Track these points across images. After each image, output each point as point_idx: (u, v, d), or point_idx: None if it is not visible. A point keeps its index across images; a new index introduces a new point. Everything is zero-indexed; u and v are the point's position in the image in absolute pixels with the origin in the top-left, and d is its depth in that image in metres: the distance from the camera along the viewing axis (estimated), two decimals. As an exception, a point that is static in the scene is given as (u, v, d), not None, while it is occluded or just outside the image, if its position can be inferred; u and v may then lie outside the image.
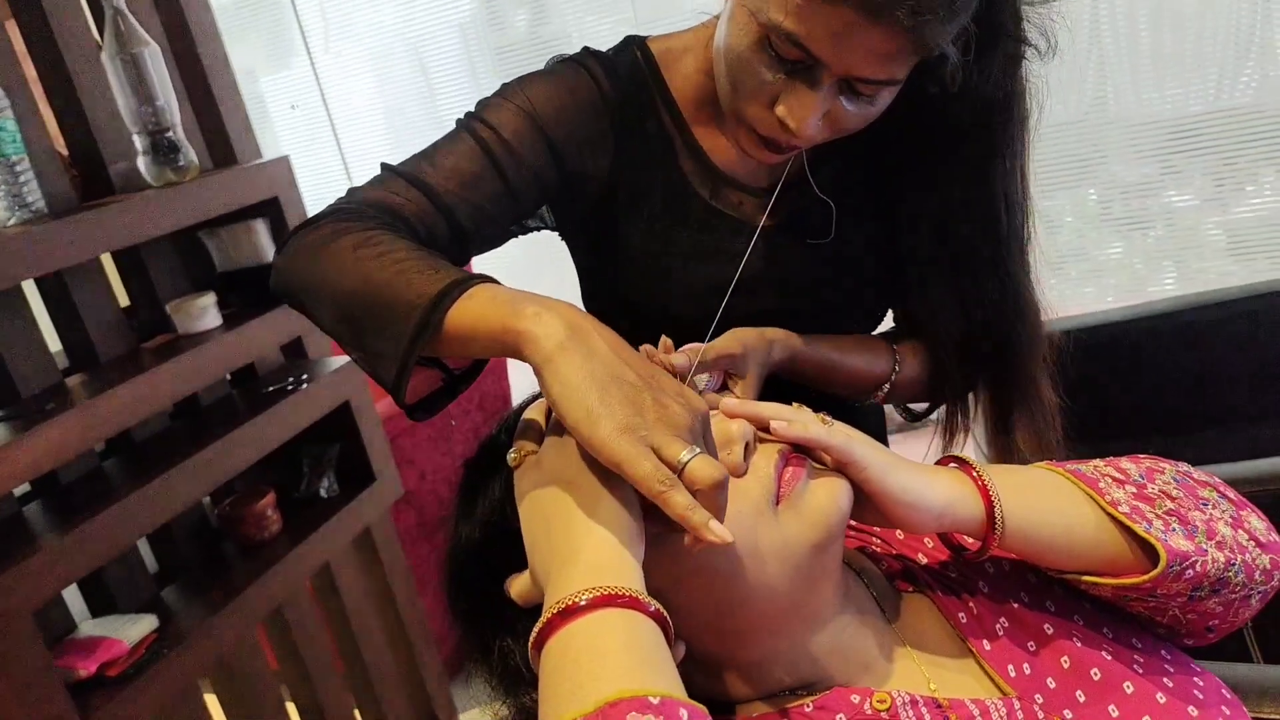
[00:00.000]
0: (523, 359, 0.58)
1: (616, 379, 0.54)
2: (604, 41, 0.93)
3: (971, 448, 1.03)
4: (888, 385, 0.95)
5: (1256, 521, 0.68)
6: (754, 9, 0.72)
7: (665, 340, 0.79)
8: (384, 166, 0.85)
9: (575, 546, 0.53)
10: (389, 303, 0.64)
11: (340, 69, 3.08)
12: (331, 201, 0.82)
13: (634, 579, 0.51)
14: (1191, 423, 1.86)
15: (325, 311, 0.71)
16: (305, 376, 1.58)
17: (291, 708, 1.65)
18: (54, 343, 1.41)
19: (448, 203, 0.81)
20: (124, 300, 1.52)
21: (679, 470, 0.52)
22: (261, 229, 1.55)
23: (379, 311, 0.65)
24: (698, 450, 0.53)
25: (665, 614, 0.51)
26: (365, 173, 3.20)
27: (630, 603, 0.49)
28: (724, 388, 0.83)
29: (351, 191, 0.82)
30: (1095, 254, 2.72)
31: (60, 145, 1.42)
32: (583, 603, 0.49)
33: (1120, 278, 2.72)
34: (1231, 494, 0.69)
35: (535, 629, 0.50)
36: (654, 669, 0.47)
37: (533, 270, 1.54)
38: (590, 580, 0.50)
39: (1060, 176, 2.65)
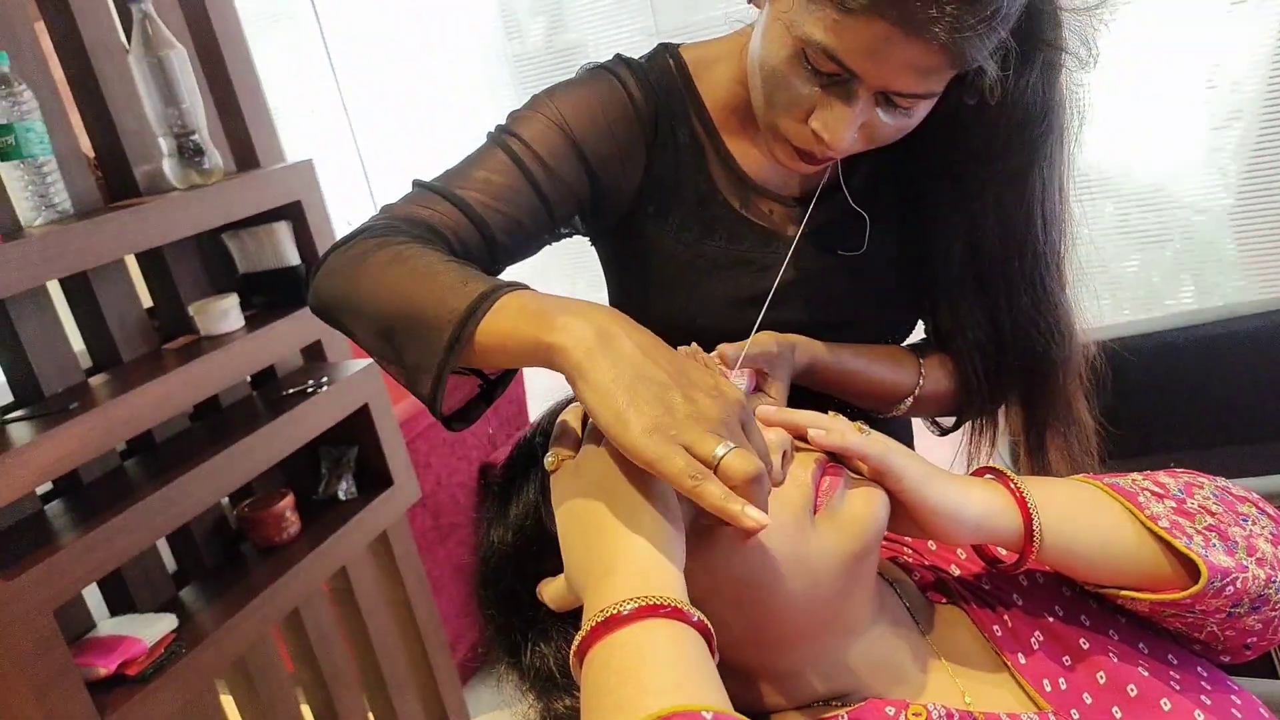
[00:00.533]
0: (555, 369, 0.58)
1: (645, 379, 0.54)
2: (622, 49, 0.93)
3: (997, 460, 1.03)
4: (911, 398, 0.94)
5: (1297, 538, 0.67)
6: (789, 23, 0.71)
7: (694, 348, 0.78)
8: (416, 183, 0.85)
9: (616, 555, 0.53)
10: (421, 318, 0.65)
11: (359, 73, 3.09)
12: (364, 219, 0.82)
13: (677, 588, 0.51)
14: (1214, 437, 1.84)
15: (362, 328, 0.72)
16: (325, 379, 1.59)
17: (306, 710, 1.65)
18: (76, 342, 1.42)
19: (480, 215, 0.81)
20: (146, 301, 1.53)
21: (714, 466, 0.51)
22: (284, 231, 1.55)
23: (411, 327, 0.65)
24: (731, 445, 0.52)
25: (708, 624, 0.50)
26: (383, 175, 3.19)
27: (674, 613, 0.49)
28: (758, 389, 0.83)
29: (385, 208, 0.83)
30: (1113, 267, 2.71)
31: (86, 147, 1.43)
32: (626, 612, 0.48)
33: (1136, 291, 2.71)
34: (1271, 510, 0.69)
35: (577, 638, 0.50)
36: (701, 682, 0.47)
37: (564, 275, 1.54)
38: (633, 590, 0.50)
39: (1076, 189, 2.64)
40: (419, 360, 0.64)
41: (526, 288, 0.65)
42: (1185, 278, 2.68)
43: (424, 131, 3.09)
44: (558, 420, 0.64)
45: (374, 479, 1.72)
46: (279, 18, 3.08)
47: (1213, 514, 0.66)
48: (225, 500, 1.59)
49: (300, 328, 1.56)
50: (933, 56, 0.67)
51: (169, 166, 1.42)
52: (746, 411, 0.57)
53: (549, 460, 0.61)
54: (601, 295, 1.01)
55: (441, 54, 2.98)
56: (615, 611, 0.49)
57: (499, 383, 0.72)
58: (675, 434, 0.52)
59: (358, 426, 1.67)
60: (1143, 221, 2.65)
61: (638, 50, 0.93)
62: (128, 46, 1.40)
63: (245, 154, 1.60)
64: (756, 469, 0.51)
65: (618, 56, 0.91)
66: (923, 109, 0.75)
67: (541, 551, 0.62)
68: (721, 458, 0.51)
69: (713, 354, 0.77)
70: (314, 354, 1.71)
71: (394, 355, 0.68)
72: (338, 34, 3.07)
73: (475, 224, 0.81)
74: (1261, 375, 1.82)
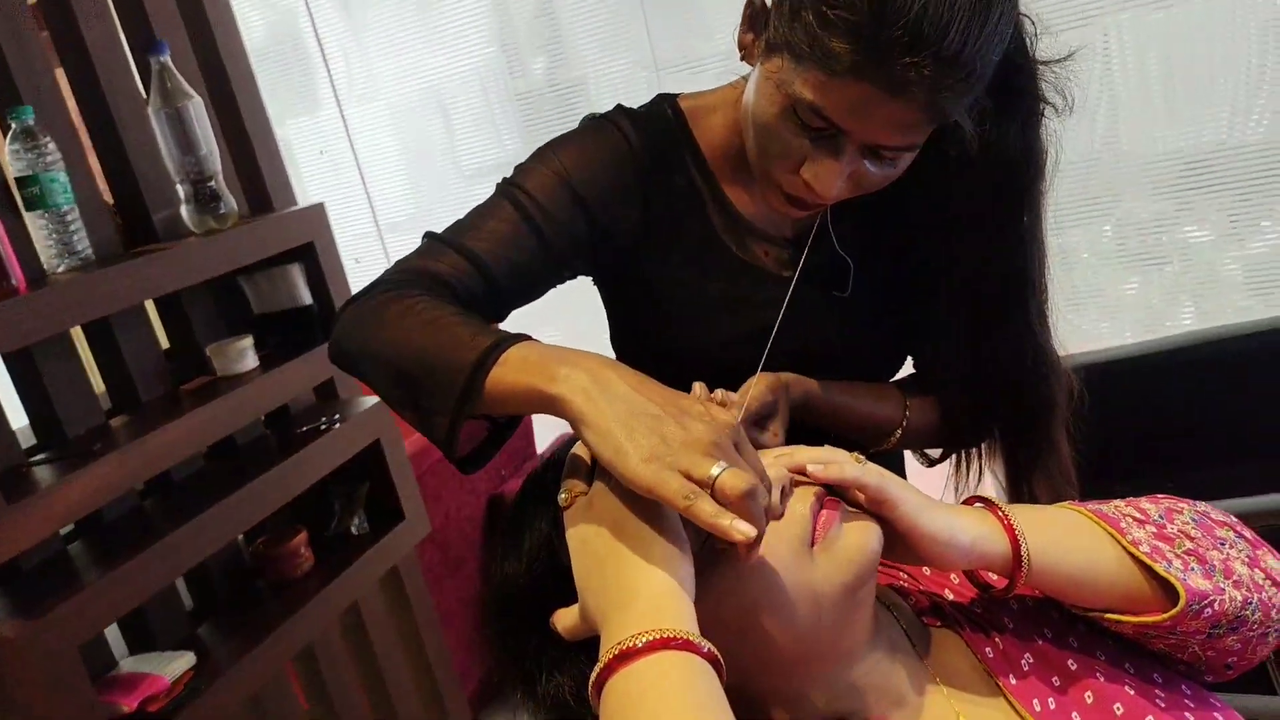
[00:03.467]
0: (558, 417, 0.63)
1: (640, 414, 0.59)
2: (622, 82, 0.97)
3: (989, 486, 1.06)
4: (899, 431, 0.99)
5: (1273, 561, 0.70)
6: (780, 81, 0.76)
7: (700, 385, 0.82)
8: (427, 235, 0.90)
9: (630, 589, 0.56)
10: (433, 370, 0.70)
11: (366, 115, 3.16)
12: (372, 255, 0.86)
13: (688, 621, 0.54)
14: (1211, 457, 1.87)
15: (378, 377, 0.77)
16: (337, 416, 1.62)
17: (320, 744, 1.67)
18: (96, 383, 1.45)
19: (488, 264, 0.86)
20: (164, 342, 1.57)
21: (710, 486, 0.55)
22: (297, 273, 1.60)
23: (424, 378, 0.71)
24: (725, 465, 0.56)
25: (718, 655, 0.53)
26: (390, 215, 3.24)
27: (685, 645, 0.52)
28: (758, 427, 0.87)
29: (398, 263, 0.88)
30: (1112, 290, 2.75)
31: (106, 194, 1.48)
32: (640, 645, 0.52)
33: (1138, 313, 2.74)
34: (1248, 534, 0.72)
35: (595, 670, 0.53)
36: (712, 711, 0.50)
37: (568, 315, 1.58)
38: (646, 623, 0.53)
39: (1075, 213, 2.68)
40: (432, 408, 0.70)
41: (529, 338, 0.69)
42: (1185, 299, 2.71)
43: (428, 169, 3.15)
44: (568, 456, 0.67)
45: (385, 514, 1.75)
46: (288, 61, 3.15)
47: (1192, 538, 0.69)
48: (240, 537, 1.62)
49: (313, 367, 1.60)
50: (913, 114, 0.72)
51: (186, 212, 1.47)
52: (739, 433, 0.61)
53: (562, 496, 0.64)
54: (603, 333, 1.05)
55: (445, 92, 3.05)
56: (630, 644, 0.52)
57: (508, 426, 0.76)
58: (672, 461, 0.56)
59: (369, 462, 1.70)
60: (1141, 244, 2.68)
61: (637, 81, 0.97)
62: (146, 97, 1.46)
63: (259, 197, 1.65)
64: (750, 484, 0.55)
65: (618, 107, 0.96)
66: (907, 159, 0.80)
67: (555, 583, 0.65)
68: (716, 477, 0.55)
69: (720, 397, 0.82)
70: (326, 392, 1.75)
71: (409, 403, 0.73)
72: (345, 76, 3.14)
73: (482, 273, 0.86)
74: (1252, 394, 1.85)
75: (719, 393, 0.82)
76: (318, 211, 1.64)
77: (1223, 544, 0.69)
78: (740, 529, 0.54)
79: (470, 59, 2.98)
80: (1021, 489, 1.00)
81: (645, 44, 2.81)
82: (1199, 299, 2.68)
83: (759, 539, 0.55)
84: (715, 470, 0.55)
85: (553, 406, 0.63)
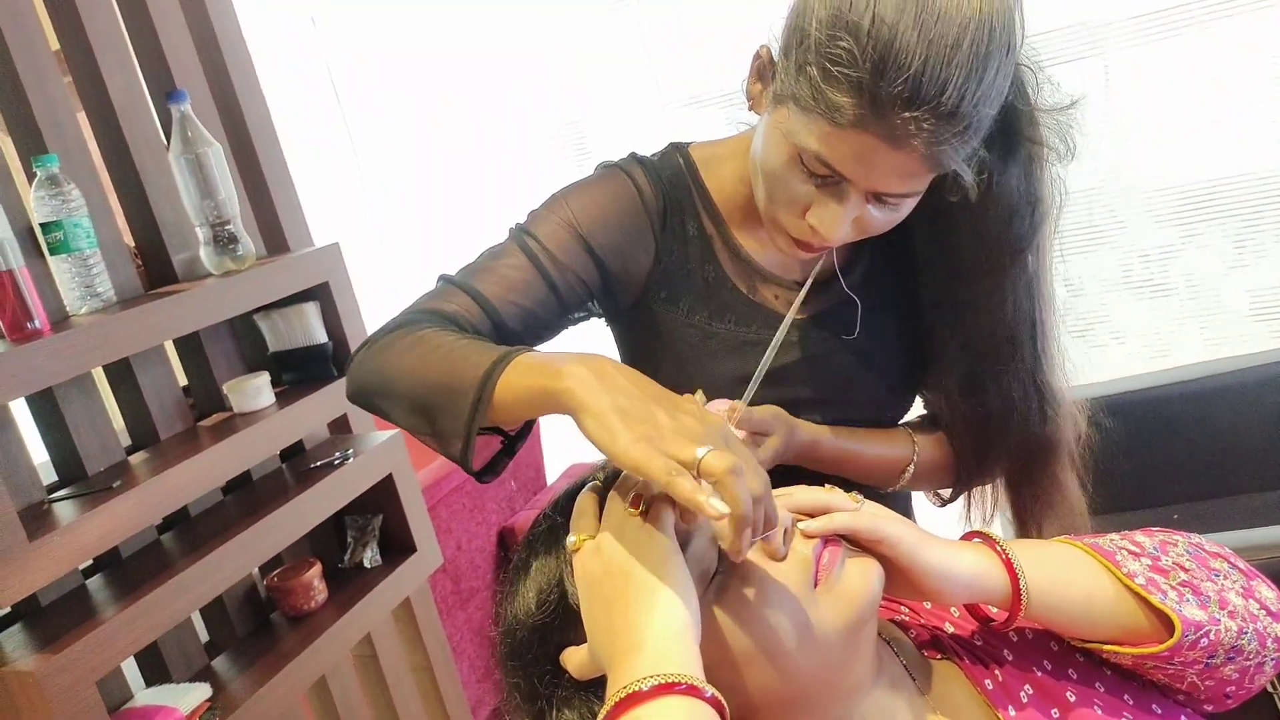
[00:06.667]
0: (563, 410, 0.65)
1: (636, 401, 0.62)
2: (629, 121, 1.01)
3: (993, 526, 1.08)
4: (908, 474, 1.01)
5: (1267, 591, 0.71)
6: (786, 131, 0.79)
7: (700, 395, 0.85)
8: (441, 277, 0.93)
9: (637, 633, 0.58)
10: (446, 388, 0.73)
11: (378, 154, 3.22)
12: (384, 293, 0.90)
13: (692, 666, 0.56)
14: (1218, 487, 1.87)
15: (396, 408, 0.80)
16: (350, 451, 1.65)
17: (333, 778, 1.68)
18: (116, 419, 1.48)
19: (496, 307, 0.89)
20: (182, 379, 1.60)
21: (695, 468, 0.57)
22: (313, 311, 1.63)
23: (439, 398, 0.74)
24: (710, 447, 0.58)
25: (722, 700, 0.55)
26: (401, 250, 3.28)
27: (690, 690, 0.54)
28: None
29: (411, 305, 0.91)
30: (1119, 318, 2.76)
31: (127, 236, 1.52)
32: (646, 689, 0.53)
33: (1145, 340, 2.75)
34: (1242, 564, 0.73)
35: (602, 714, 0.55)
36: None
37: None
38: (652, 668, 0.55)
39: (1081, 242, 2.70)
40: (449, 426, 0.73)
41: (535, 350, 0.73)
42: (1191, 326, 2.72)
43: (439, 206, 3.20)
44: (576, 502, 0.70)
45: (398, 546, 1.77)
46: (308, 103, 3.22)
47: (1186, 570, 0.71)
48: (255, 570, 1.65)
49: (328, 402, 1.63)
50: (914, 164, 0.75)
51: (205, 254, 1.51)
52: (730, 430, 0.63)
53: (570, 540, 0.66)
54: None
55: (455, 132, 3.10)
56: (636, 689, 0.54)
57: (519, 436, 0.80)
58: (660, 444, 0.58)
59: (382, 495, 1.73)
60: (1146, 272, 2.70)
61: (643, 122, 1.01)
62: (167, 144, 1.50)
63: (275, 238, 1.69)
64: (734, 463, 0.57)
65: (631, 155, 0.99)
66: (910, 203, 0.83)
67: (565, 622, 0.67)
68: (702, 458, 0.57)
69: (722, 405, 0.84)
70: (340, 427, 1.77)
71: (427, 426, 0.76)
72: (358, 116, 3.21)
73: (489, 315, 0.89)
74: (1255, 426, 1.86)
75: (720, 401, 0.85)
76: (332, 251, 1.67)
77: (1217, 575, 0.71)
78: (715, 505, 0.55)
79: (481, 100, 3.04)
80: (1030, 527, 1.02)
81: (651, 83, 2.87)
82: (1204, 327, 2.69)
83: (740, 528, 0.57)
84: (700, 452, 0.57)
85: (557, 400, 0.65)
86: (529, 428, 0.80)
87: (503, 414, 0.71)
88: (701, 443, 0.58)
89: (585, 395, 0.63)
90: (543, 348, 0.94)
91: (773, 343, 0.94)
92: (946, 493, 1.09)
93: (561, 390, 0.64)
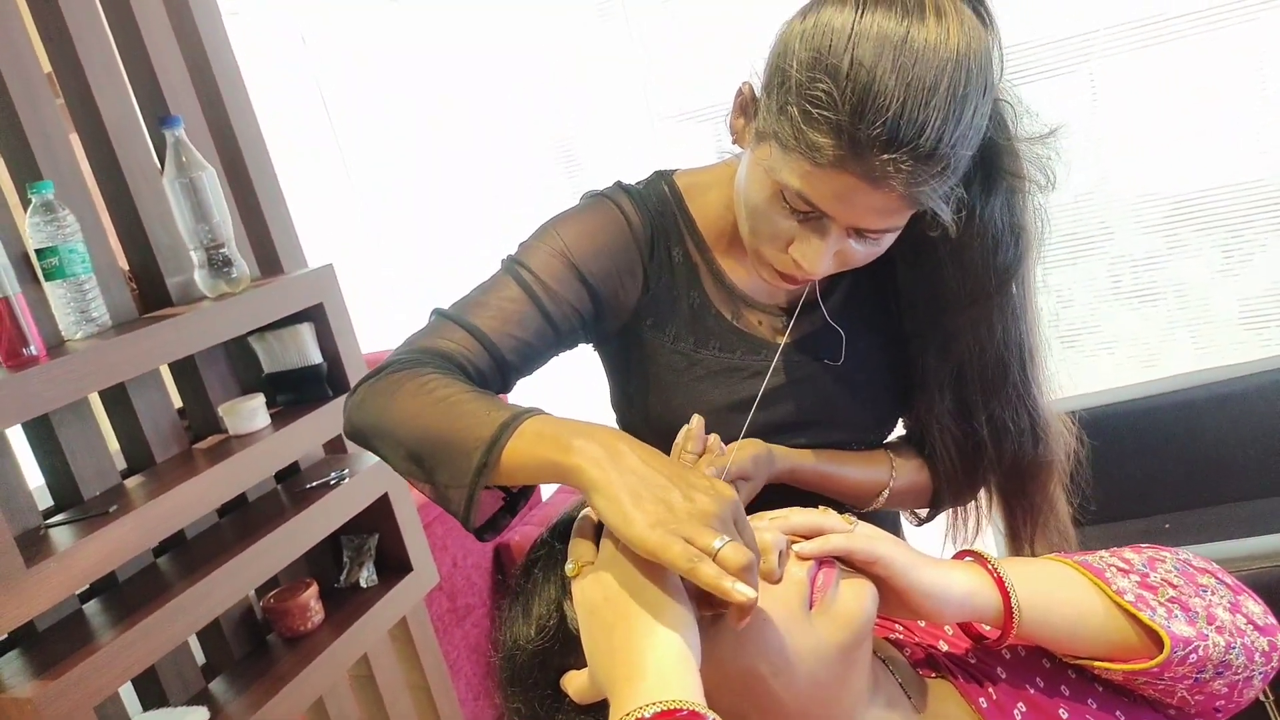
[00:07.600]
0: (572, 486, 0.67)
1: (648, 484, 0.63)
2: (621, 139, 1.02)
3: (989, 539, 1.09)
4: (885, 494, 1.02)
5: (1253, 605, 0.72)
6: (769, 168, 0.80)
7: (698, 418, 0.86)
8: (435, 311, 0.94)
9: (637, 658, 0.59)
10: (450, 445, 0.74)
11: (371, 173, 3.24)
12: (377, 313, 0.91)
13: (694, 691, 0.57)
14: (1209, 497, 1.89)
15: (393, 452, 0.81)
16: (346, 471, 1.65)
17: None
18: (111, 442, 1.49)
19: (493, 340, 0.90)
20: (177, 401, 1.61)
21: (713, 556, 0.59)
22: (307, 332, 1.64)
23: (441, 453, 0.75)
24: (727, 539, 0.59)
25: None
26: (394, 272, 3.27)
27: (691, 716, 0.54)
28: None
29: (408, 340, 0.92)
30: (1108, 327, 2.78)
31: (122, 260, 1.53)
32: (648, 716, 0.54)
33: (1134, 349, 2.77)
34: (1229, 579, 0.74)
35: None
36: None
37: (571, 381, 1.62)
38: (653, 694, 0.56)
39: (1069, 251, 2.72)
40: (450, 481, 0.74)
41: (542, 412, 0.73)
42: (1181, 334, 2.74)
43: (431, 225, 3.21)
44: (574, 527, 0.70)
45: (394, 565, 1.77)
46: (300, 128, 3.23)
47: (1174, 586, 0.72)
48: (252, 592, 1.65)
49: (323, 423, 1.63)
50: (893, 202, 0.76)
51: (200, 277, 1.51)
52: (739, 508, 0.65)
53: (570, 567, 0.67)
54: (604, 399, 1.09)
55: (446, 151, 3.12)
56: (639, 715, 0.54)
57: (521, 495, 0.80)
58: (676, 528, 0.60)
59: (378, 515, 1.73)
60: (1135, 281, 2.72)
61: (634, 136, 1.01)
62: (160, 167, 1.51)
63: (269, 260, 1.70)
64: (749, 559, 0.59)
65: (617, 184, 1.00)
66: (890, 237, 0.84)
67: (565, 647, 0.68)
68: (719, 550, 0.59)
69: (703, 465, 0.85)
70: (335, 447, 1.78)
71: (425, 476, 0.77)
72: (349, 135, 3.22)
73: (488, 349, 0.90)
74: (1245, 436, 1.87)
75: (712, 438, 0.86)
76: (326, 273, 1.68)
77: (1204, 590, 0.72)
78: (742, 591, 0.57)
79: (473, 122, 3.05)
80: (1022, 545, 1.03)
81: (641, 99, 2.89)
82: (1194, 335, 2.71)
83: (752, 607, 0.58)
84: (717, 544, 0.59)
85: (567, 476, 0.67)
86: (531, 487, 0.81)
87: (507, 478, 0.73)
88: (714, 526, 0.60)
89: (597, 474, 0.64)
90: (536, 373, 0.96)
91: (768, 374, 0.95)
92: (924, 512, 1.10)
93: (572, 467, 0.66)
